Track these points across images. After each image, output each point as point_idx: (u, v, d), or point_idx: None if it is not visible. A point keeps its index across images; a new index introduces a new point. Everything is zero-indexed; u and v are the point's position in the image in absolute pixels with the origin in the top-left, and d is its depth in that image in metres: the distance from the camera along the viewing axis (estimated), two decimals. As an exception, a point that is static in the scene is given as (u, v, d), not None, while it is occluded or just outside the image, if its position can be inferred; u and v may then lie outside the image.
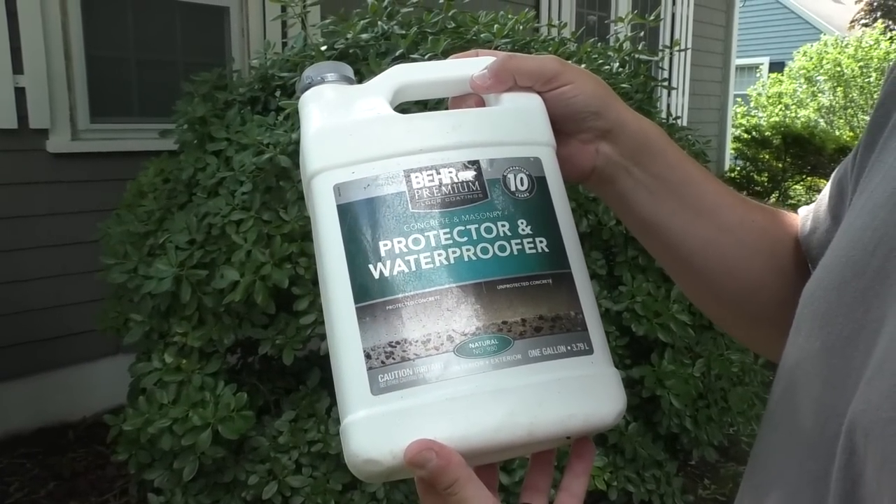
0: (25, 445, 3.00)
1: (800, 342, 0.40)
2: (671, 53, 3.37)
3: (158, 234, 2.02)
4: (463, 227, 0.44)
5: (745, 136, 7.87)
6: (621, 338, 2.35)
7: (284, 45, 3.47)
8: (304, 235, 1.84)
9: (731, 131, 8.23)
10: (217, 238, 1.90)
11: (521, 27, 2.41)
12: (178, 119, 2.25)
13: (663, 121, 3.00)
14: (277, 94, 2.19)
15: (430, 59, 2.00)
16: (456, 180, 0.45)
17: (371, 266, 0.43)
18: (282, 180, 1.89)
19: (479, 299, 0.42)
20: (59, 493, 2.68)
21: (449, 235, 0.44)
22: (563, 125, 0.51)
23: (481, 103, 0.50)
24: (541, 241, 0.45)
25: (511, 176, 0.46)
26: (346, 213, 0.44)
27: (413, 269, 0.43)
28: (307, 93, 0.49)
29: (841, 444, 0.33)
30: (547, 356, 0.43)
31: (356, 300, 0.42)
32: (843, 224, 0.43)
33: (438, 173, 0.45)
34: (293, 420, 2.01)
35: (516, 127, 0.48)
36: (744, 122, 9.29)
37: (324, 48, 2.20)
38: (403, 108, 0.50)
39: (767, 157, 7.67)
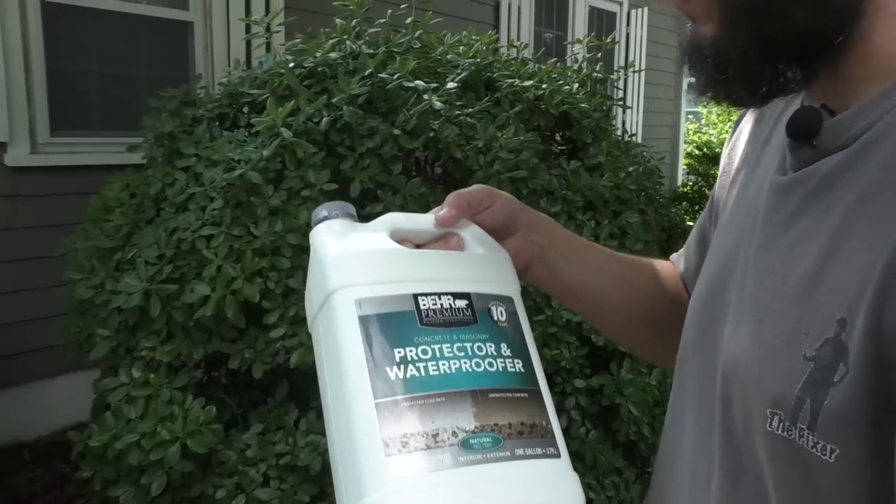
0: (-21, 465, 2.94)
1: (687, 333, 0.60)
2: (624, 69, 3.50)
3: (126, 249, 2.02)
4: (461, 344, 0.54)
5: (697, 152, 8.11)
6: (581, 348, 2.43)
7: (248, 60, 3.49)
8: (274, 250, 1.87)
9: (683, 147, 8.48)
10: (187, 253, 1.92)
11: (484, 48, 2.49)
12: (145, 134, 2.25)
13: (619, 138, 3.11)
14: (246, 110, 2.22)
15: (398, 78, 2.06)
16: (454, 306, 0.55)
17: (388, 368, 0.51)
18: (252, 196, 1.91)
19: (476, 403, 0.51)
20: (16, 513, 2.63)
21: (450, 349, 0.53)
22: (506, 229, 0.66)
23: (460, 246, 0.62)
24: (518, 363, 0.55)
25: (493, 308, 0.57)
26: (367, 323, 0.52)
27: (423, 374, 0.51)
28: (320, 226, 0.59)
29: (718, 394, 0.51)
30: (528, 455, 0.52)
31: (375, 396, 0.50)
32: (707, 254, 0.62)
33: (440, 299, 0.55)
34: (261, 433, 2.02)
35: (494, 271, 0.61)
36: (695, 138, 9.56)
37: (291, 65, 2.24)
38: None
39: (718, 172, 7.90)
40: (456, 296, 0.56)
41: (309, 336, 2.00)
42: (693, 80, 0.50)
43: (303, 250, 1.90)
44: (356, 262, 0.55)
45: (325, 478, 2.04)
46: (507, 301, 0.58)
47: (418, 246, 0.60)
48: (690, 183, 8.18)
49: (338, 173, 2.05)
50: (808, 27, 0.42)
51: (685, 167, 8.38)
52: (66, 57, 3.27)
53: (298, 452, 1.96)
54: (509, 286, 0.60)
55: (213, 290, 1.83)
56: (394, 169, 2.10)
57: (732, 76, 0.46)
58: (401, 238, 0.59)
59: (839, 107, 0.46)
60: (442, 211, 0.61)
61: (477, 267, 0.60)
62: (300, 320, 1.89)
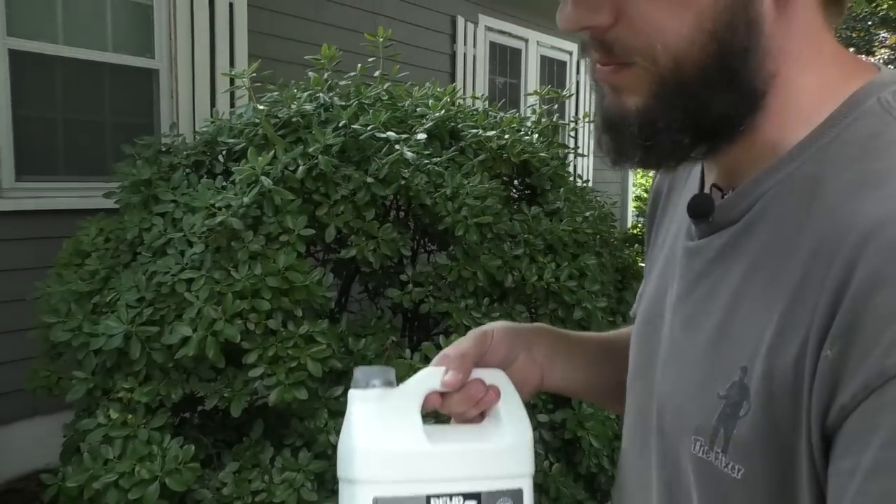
0: (-67, 516, 2.86)
1: (631, 360, 0.69)
2: (577, 121, 3.71)
3: (104, 293, 2.06)
4: None
5: (644, 195, 8.44)
6: (544, 384, 2.54)
7: (212, 107, 3.58)
8: (254, 293, 1.95)
9: (632, 191, 8.81)
10: (166, 296, 1.98)
11: (448, 99, 2.65)
12: (121, 180, 2.32)
13: (575, 184, 3.29)
14: (222, 158, 2.31)
15: (370, 129, 2.19)
16: None
17: None
18: (232, 241, 1.99)
19: None
20: (-25, 563, 2.57)
21: None
22: (510, 354, 0.72)
23: (481, 393, 0.67)
24: None
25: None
26: None
27: None
28: (358, 392, 0.64)
29: (654, 422, 0.61)
30: None
31: None
32: (646, 289, 0.71)
33: (451, 500, 0.61)
34: (237, 471, 2.06)
35: (508, 462, 0.65)
36: (643, 181, 9.94)
37: (265, 115, 2.35)
38: None
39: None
40: (466, 496, 0.61)
41: (287, 374, 2.04)
42: (608, 142, 0.57)
43: (282, 293, 1.98)
44: (378, 460, 0.61)
45: (300, 515, 2.08)
46: (515, 495, 0.63)
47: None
48: (640, 225, 8.49)
49: (314, 219, 2.15)
50: (722, 115, 0.54)
51: (634, 209, 8.70)
52: (32, 103, 3.30)
53: (274, 490, 2.00)
54: (521, 476, 0.64)
55: (194, 331, 1.89)
56: (367, 215, 2.21)
57: (653, 145, 0.56)
58: (434, 392, 0.66)
59: (727, 185, 0.58)
60: (447, 376, 0.66)
61: (491, 461, 0.64)
62: (278, 359, 1.96)
